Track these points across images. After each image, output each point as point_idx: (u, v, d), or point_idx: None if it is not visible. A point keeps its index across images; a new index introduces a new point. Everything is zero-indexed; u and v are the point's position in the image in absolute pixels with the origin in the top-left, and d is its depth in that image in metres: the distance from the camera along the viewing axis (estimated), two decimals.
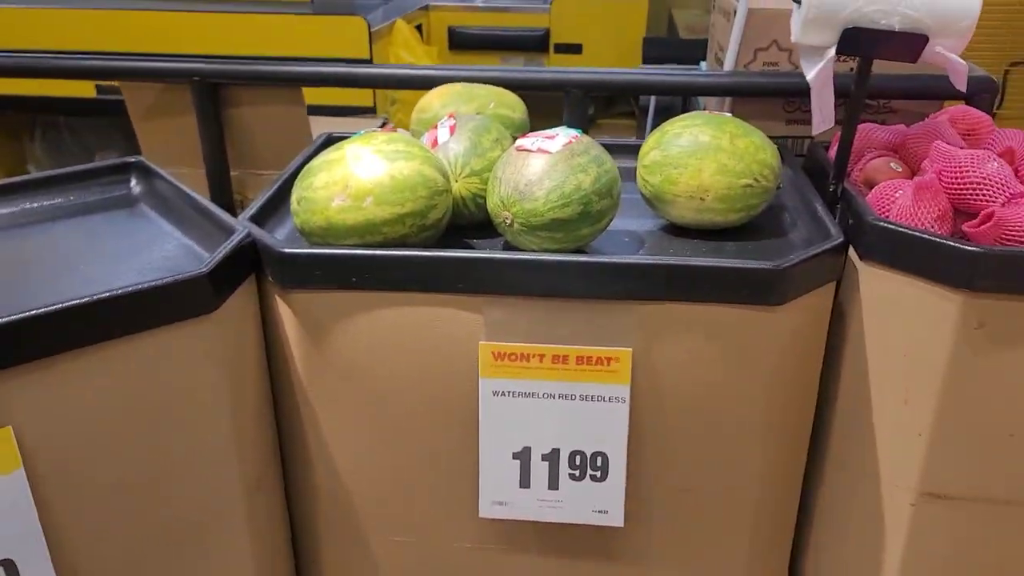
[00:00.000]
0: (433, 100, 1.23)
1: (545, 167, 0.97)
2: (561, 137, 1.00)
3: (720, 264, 0.93)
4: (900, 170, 1.11)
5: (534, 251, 0.99)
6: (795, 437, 1.09)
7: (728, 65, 1.33)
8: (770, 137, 1.09)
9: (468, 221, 1.09)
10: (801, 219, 1.12)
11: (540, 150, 0.99)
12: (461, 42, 2.54)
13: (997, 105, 2.37)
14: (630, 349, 0.97)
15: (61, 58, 1.45)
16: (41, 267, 0.98)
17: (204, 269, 0.89)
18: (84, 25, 2.19)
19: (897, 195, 1.02)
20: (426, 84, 1.26)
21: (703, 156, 1.04)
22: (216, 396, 0.94)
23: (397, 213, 0.95)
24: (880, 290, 0.99)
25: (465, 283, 0.95)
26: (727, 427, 1.02)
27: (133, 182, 1.21)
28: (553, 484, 1.03)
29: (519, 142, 1.01)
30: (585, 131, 1.38)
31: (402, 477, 1.08)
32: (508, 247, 1.03)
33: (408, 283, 0.96)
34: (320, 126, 1.82)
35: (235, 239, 0.95)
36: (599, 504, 1.03)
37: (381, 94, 2.07)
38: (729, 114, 1.10)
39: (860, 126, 1.18)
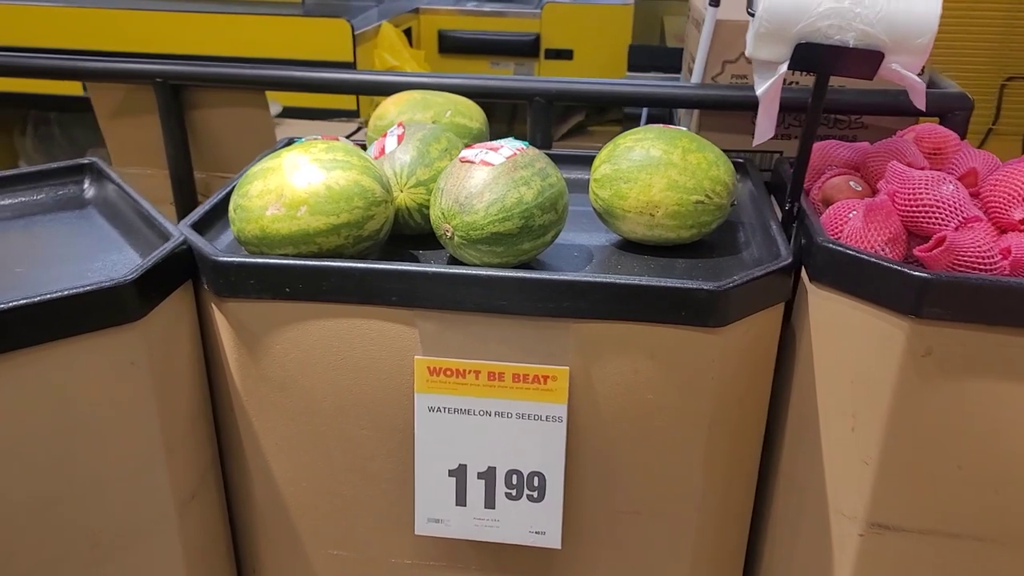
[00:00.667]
0: (389, 107, 1.21)
1: (487, 180, 0.95)
2: (505, 149, 0.98)
3: (658, 284, 0.90)
4: (860, 189, 1.08)
5: (475, 265, 0.97)
6: (742, 461, 1.06)
7: (696, 77, 1.31)
8: (738, 151, 1.06)
9: (414, 232, 1.07)
10: (756, 237, 1.09)
11: (483, 162, 0.97)
12: (451, 46, 2.52)
13: (993, 120, 2.34)
14: (567, 368, 0.95)
15: (23, 57, 1.45)
16: None
17: (129, 277, 0.87)
18: (69, 22, 2.19)
19: (850, 216, 0.99)
20: (385, 90, 1.24)
21: (653, 171, 1.02)
22: (143, 406, 0.93)
23: (332, 224, 0.93)
24: (829, 313, 0.97)
25: (399, 296, 0.94)
26: (670, 449, 0.99)
27: (86, 184, 1.20)
28: (489, 503, 1.01)
29: (463, 153, 0.99)
30: (549, 141, 1.36)
31: (339, 491, 1.06)
32: (453, 260, 1.01)
33: (342, 294, 0.94)
34: (301, 129, 1.81)
35: (167, 247, 0.94)
36: (536, 525, 1.01)
37: (365, 98, 2.06)
38: (683, 128, 1.08)
39: (822, 143, 1.16)
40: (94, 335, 0.87)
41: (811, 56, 0.95)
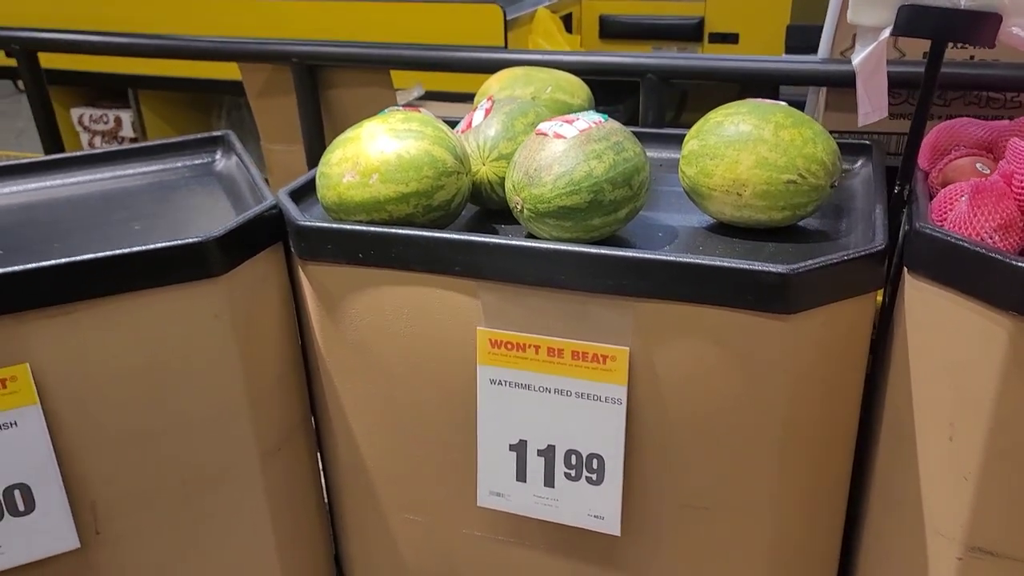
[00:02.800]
0: (492, 84, 1.22)
1: (557, 152, 0.93)
2: (581, 122, 0.96)
3: (722, 264, 0.85)
4: (988, 172, 0.96)
5: (546, 239, 0.95)
6: (829, 466, 0.98)
7: (823, 52, 1.21)
8: (869, 133, 0.97)
9: (497, 206, 1.07)
10: (861, 223, 1.00)
11: (556, 135, 0.95)
12: (612, 31, 2.49)
13: None
14: (627, 348, 0.91)
15: (179, 40, 1.59)
16: (103, 229, 1.08)
17: (212, 235, 0.94)
18: (233, 15, 2.35)
19: (960, 199, 0.88)
20: (494, 67, 1.24)
21: (741, 147, 0.96)
22: (226, 357, 1.00)
23: (401, 192, 0.95)
24: (926, 307, 0.87)
25: (462, 266, 0.94)
26: (739, 445, 0.93)
27: (218, 155, 1.31)
28: (549, 481, 0.99)
29: (539, 126, 0.98)
30: (662, 122, 1.32)
31: (411, 456, 1.08)
32: (530, 235, 1.01)
33: (409, 262, 0.96)
34: (439, 111, 1.86)
35: (255, 211, 1.00)
36: (595, 508, 0.98)
37: None
38: (783, 103, 1.00)
39: (952, 121, 1.04)
40: (180, 287, 0.94)
41: (917, 20, 0.85)
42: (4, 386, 0.89)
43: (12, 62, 1.79)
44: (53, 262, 0.89)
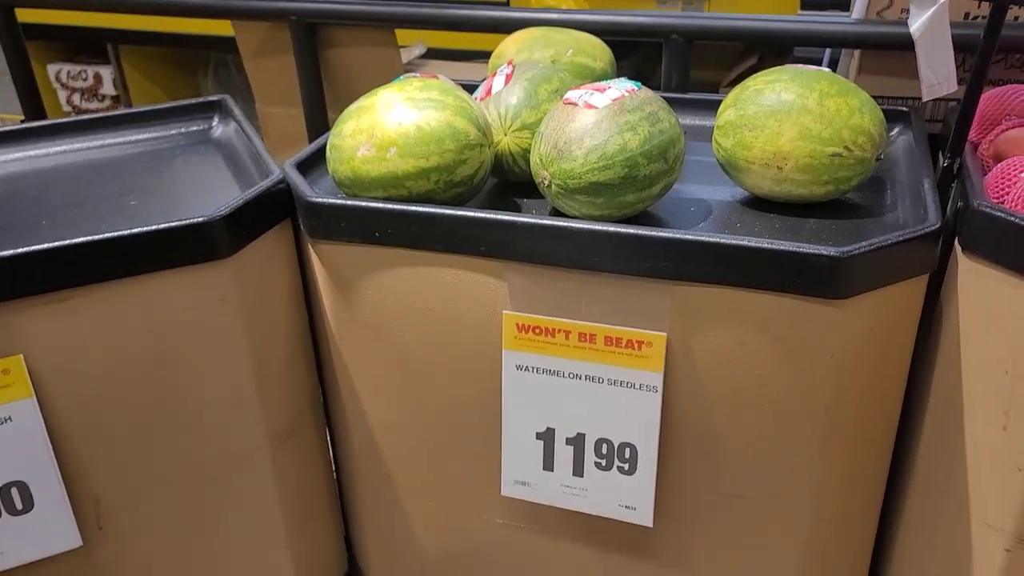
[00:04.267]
0: (508, 46, 1.15)
1: (588, 124, 0.87)
2: (613, 91, 0.89)
3: (770, 247, 0.79)
4: None
5: (575, 216, 0.89)
6: (870, 454, 0.94)
7: (857, 12, 1.14)
8: (905, 99, 0.91)
9: (519, 179, 1.01)
10: (907, 198, 0.94)
11: (587, 104, 0.88)
12: None
13: None
14: (664, 334, 0.86)
15: None
16: (96, 203, 1.01)
17: (218, 214, 0.87)
18: None
19: (1022, 175, 0.83)
20: (507, 27, 1.17)
21: (783, 118, 0.89)
22: (234, 342, 0.94)
23: (421, 167, 0.88)
24: (982, 291, 0.82)
25: (487, 246, 0.88)
26: (780, 433, 0.89)
27: (215, 122, 1.23)
28: (578, 471, 0.95)
29: (567, 94, 0.92)
30: (686, 86, 1.25)
31: (431, 442, 1.03)
32: (555, 211, 0.94)
33: (430, 242, 0.90)
34: (442, 70, 1.77)
35: (261, 187, 0.93)
36: (626, 499, 0.94)
37: None
38: (827, 69, 0.94)
39: (1002, 88, 0.98)
40: (184, 270, 0.88)
41: None
42: None
43: None
44: (47, 246, 0.82)
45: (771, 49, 2.37)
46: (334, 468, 1.18)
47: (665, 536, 0.98)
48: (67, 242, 0.83)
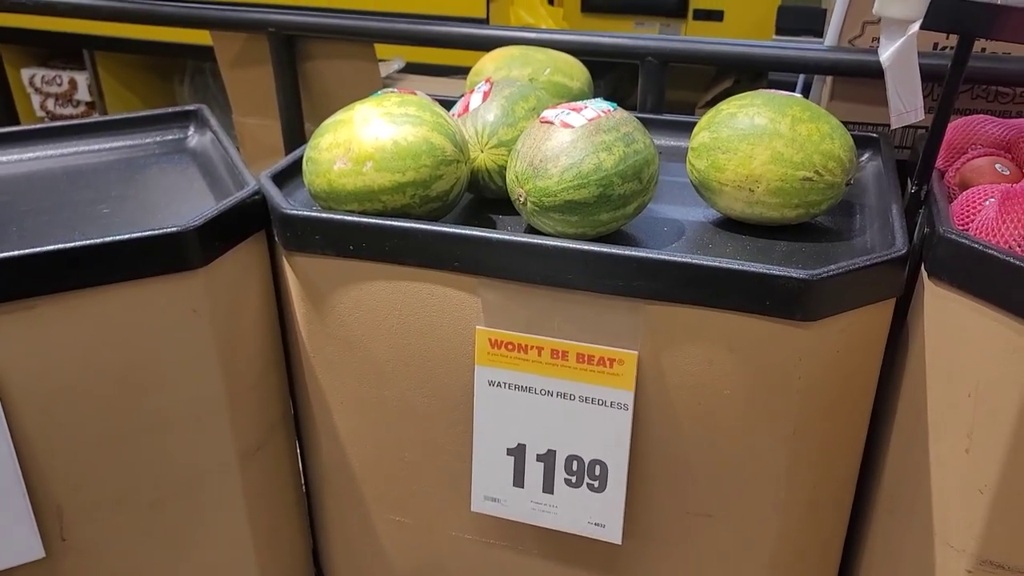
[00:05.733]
0: (487, 63, 1.16)
1: (564, 143, 0.88)
2: (589, 110, 0.90)
3: (741, 268, 0.80)
4: (1008, 173, 0.93)
5: (549, 234, 0.90)
6: (836, 475, 0.95)
7: (830, 39, 1.16)
8: (875, 125, 0.93)
9: (495, 195, 1.01)
10: (875, 223, 0.96)
11: (563, 123, 0.89)
12: (595, 5, 2.41)
13: None
14: (636, 352, 0.87)
15: (151, 4, 1.49)
16: (67, 211, 1.00)
17: (191, 225, 0.87)
18: None
19: (986, 203, 0.85)
20: (484, 44, 1.18)
21: (756, 141, 0.91)
22: (205, 354, 0.93)
23: (397, 181, 0.89)
24: (947, 315, 0.83)
25: (461, 262, 0.88)
26: (747, 452, 0.90)
27: (191, 131, 1.22)
28: (548, 487, 0.95)
29: (544, 113, 0.92)
30: (661, 107, 1.27)
31: (402, 457, 1.03)
32: (530, 228, 0.95)
33: (404, 256, 0.90)
34: (420, 85, 1.78)
35: (235, 198, 0.93)
36: (596, 516, 0.94)
37: None
38: (798, 95, 0.96)
39: (967, 118, 1.01)
40: (156, 280, 0.87)
41: (949, 14, 0.81)
42: None
43: None
44: (14, 253, 0.81)
45: (747, 72, 2.41)
46: (303, 482, 1.17)
47: (633, 554, 0.99)
48: (36, 249, 0.82)
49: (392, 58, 1.78)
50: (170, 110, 1.23)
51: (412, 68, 1.84)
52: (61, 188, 1.06)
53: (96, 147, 1.19)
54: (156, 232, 0.85)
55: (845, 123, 0.95)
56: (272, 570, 1.11)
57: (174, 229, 0.86)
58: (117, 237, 0.84)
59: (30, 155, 1.15)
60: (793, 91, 2.06)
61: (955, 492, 0.87)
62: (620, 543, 0.95)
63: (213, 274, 0.91)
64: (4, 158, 1.14)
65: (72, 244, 0.83)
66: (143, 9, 1.50)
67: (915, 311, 0.89)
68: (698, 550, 0.96)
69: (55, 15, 1.68)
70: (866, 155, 1.12)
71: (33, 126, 1.17)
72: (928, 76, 0.98)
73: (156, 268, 0.87)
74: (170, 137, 1.21)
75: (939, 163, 0.99)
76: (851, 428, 0.93)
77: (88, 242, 0.83)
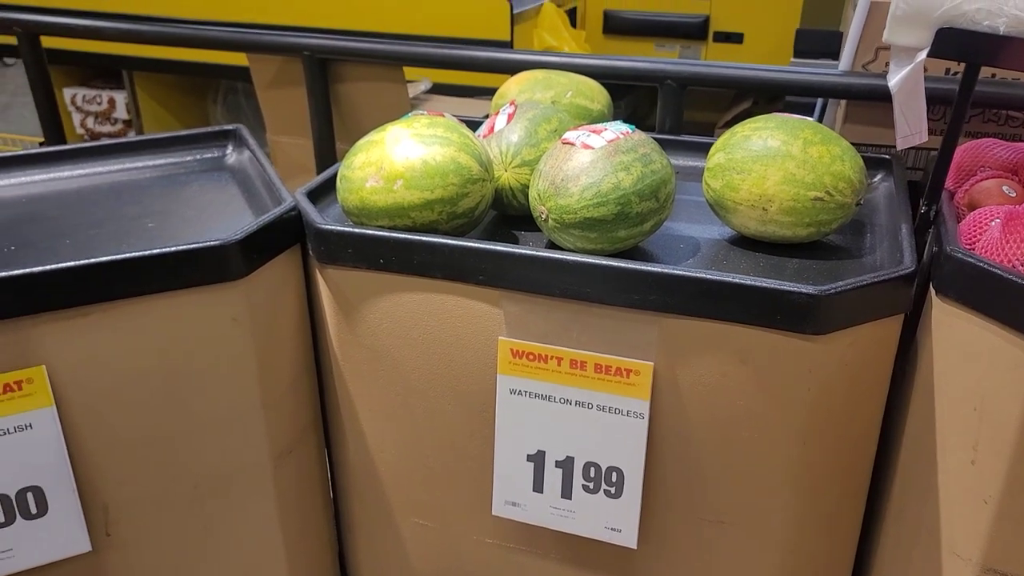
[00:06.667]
0: (511, 86, 1.21)
1: (584, 163, 0.93)
2: (608, 132, 0.95)
3: (752, 283, 0.84)
4: (1015, 195, 0.96)
5: (570, 249, 0.95)
6: (847, 485, 0.98)
7: (844, 64, 1.20)
8: (888, 147, 0.97)
9: (518, 212, 1.06)
10: (885, 242, 1.00)
11: (583, 145, 0.94)
12: (616, 27, 2.47)
13: None
14: (651, 363, 0.91)
15: (190, 29, 1.56)
16: (115, 225, 1.06)
17: (233, 238, 0.92)
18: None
19: (992, 224, 0.88)
20: (509, 68, 1.23)
21: (769, 163, 0.95)
22: (243, 361, 0.98)
23: (426, 199, 0.94)
24: (954, 332, 0.87)
25: (485, 275, 0.93)
26: (759, 461, 0.93)
27: (229, 149, 1.28)
28: (566, 493, 0.99)
29: (565, 135, 0.97)
30: (679, 129, 1.31)
31: (426, 462, 1.07)
32: (551, 244, 1.00)
33: (431, 270, 0.95)
34: (446, 106, 1.84)
35: (274, 213, 0.98)
36: (612, 521, 0.98)
37: None
38: (810, 119, 1.00)
39: (977, 141, 1.04)
40: (199, 290, 0.93)
41: (955, 43, 0.85)
42: (20, 388, 0.87)
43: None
44: (71, 264, 0.87)
45: (764, 95, 2.45)
46: (331, 485, 1.22)
47: (648, 558, 1.02)
48: (90, 261, 0.88)
49: (419, 79, 1.84)
50: (209, 129, 1.29)
51: (438, 89, 1.90)
52: (108, 203, 1.12)
53: (140, 164, 1.25)
54: (200, 245, 0.91)
55: (859, 145, 0.98)
56: (301, 569, 1.15)
57: (217, 242, 0.91)
58: (164, 249, 0.90)
59: (78, 172, 1.22)
60: (811, 112, 2.10)
61: (961, 503, 0.89)
62: (635, 548, 0.99)
63: (252, 285, 0.96)
64: (55, 175, 1.21)
65: (123, 256, 0.88)
66: (186, 34, 1.57)
67: (924, 327, 0.92)
68: (711, 555, 1.00)
69: (102, 39, 1.76)
70: (879, 176, 1.15)
71: (81, 144, 1.23)
72: (939, 100, 1.01)
73: (199, 279, 0.92)
74: (209, 155, 1.27)
75: (949, 184, 1.02)
76: (861, 440, 0.96)
77: (138, 254, 0.89)
